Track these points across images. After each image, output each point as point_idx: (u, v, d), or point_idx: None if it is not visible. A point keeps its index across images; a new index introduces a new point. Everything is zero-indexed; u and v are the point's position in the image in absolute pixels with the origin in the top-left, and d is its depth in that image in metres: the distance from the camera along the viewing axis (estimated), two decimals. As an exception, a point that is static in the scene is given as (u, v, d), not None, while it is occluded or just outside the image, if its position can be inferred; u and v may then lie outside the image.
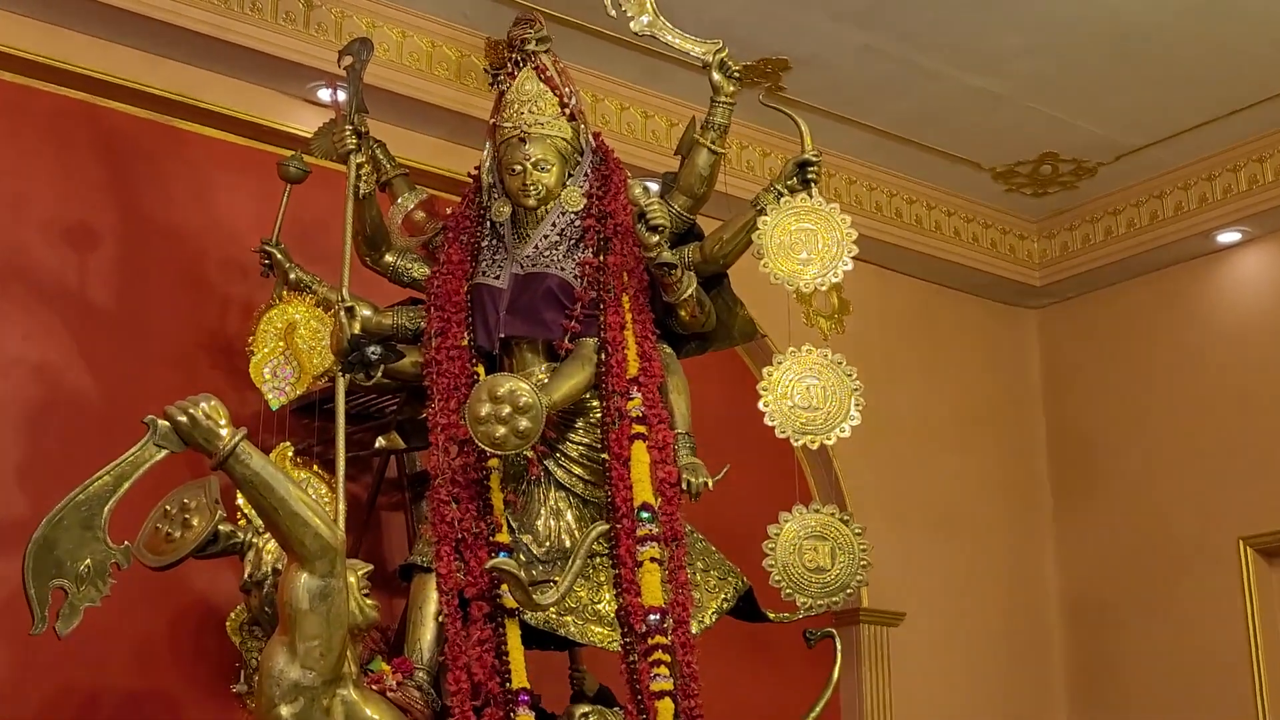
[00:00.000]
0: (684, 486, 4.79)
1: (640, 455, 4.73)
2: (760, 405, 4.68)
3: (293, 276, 5.32)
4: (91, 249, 5.98)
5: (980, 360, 8.74)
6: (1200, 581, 7.98)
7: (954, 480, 8.36)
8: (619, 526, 4.66)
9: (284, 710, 4.05)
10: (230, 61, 6.27)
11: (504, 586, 4.59)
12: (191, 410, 3.85)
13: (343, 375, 4.73)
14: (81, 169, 6.03)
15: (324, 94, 6.38)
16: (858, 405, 4.70)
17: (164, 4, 5.99)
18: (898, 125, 7.67)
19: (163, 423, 3.86)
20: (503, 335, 4.98)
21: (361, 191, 5.03)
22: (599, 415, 4.87)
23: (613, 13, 5.13)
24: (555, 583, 4.57)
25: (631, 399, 4.79)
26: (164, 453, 3.87)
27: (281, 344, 5.22)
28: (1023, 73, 7.18)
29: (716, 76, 5.03)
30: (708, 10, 6.43)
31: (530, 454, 4.81)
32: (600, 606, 4.72)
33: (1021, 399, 8.86)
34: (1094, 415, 8.62)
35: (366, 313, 4.97)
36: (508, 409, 4.44)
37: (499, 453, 4.57)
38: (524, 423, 4.45)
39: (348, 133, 5.06)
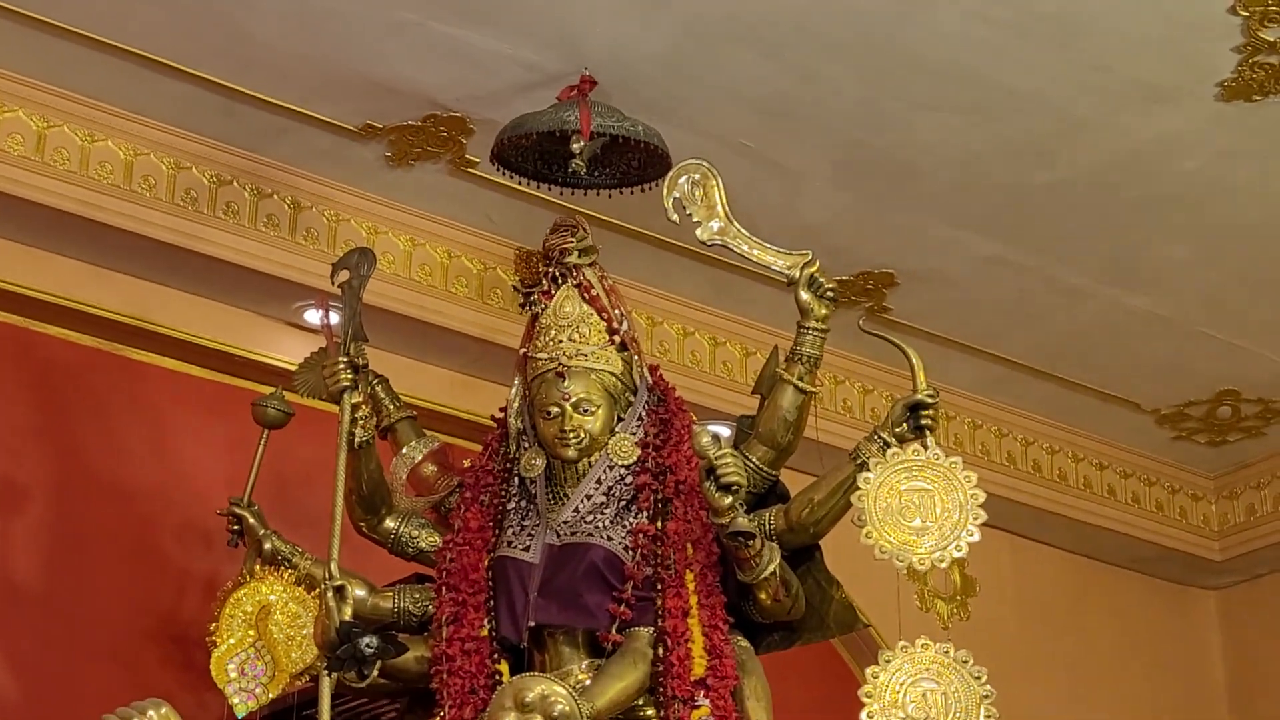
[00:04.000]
0: (767, 823, 4.71)
1: (710, 781, 4.66)
2: (864, 717, 4.60)
3: (268, 546, 5.30)
4: (15, 511, 6.01)
5: (1146, 655, 8.64)
6: None
7: (1116, 811, 8.21)
8: None
9: None
10: (196, 276, 6.36)
11: None
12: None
13: (328, 674, 4.68)
14: (6, 409, 6.09)
15: (312, 316, 6.44)
16: (989, 716, 4.62)
17: (114, 205, 6.09)
18: (1035, 356, 7.68)
19: (98, 737, 3.84)
20: (533, 623, 4.93)
21: (357, 440, 5.03)
22: (656, 729, 4.80)
23: (675, 217, 5.18)
24: None
25: (697, 707, 4.72)
26: (98, 775, 3.84)
27: (252, 633, 5.18)
28: (1192, 291, 7.20)
29: (805, 295, 5.05)
30: (795, 215, 6.50)
31: (568, 777, 4.73)
32: None
33: (1202, 705, 8.73)
34: (1295, 725, 8.49)
35: (360, 593, 4.95)
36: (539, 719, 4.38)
37: (527, 778, 4.50)
38: (560, 737, 4.40)
39: (341, 366, 5.07)
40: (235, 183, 6.35)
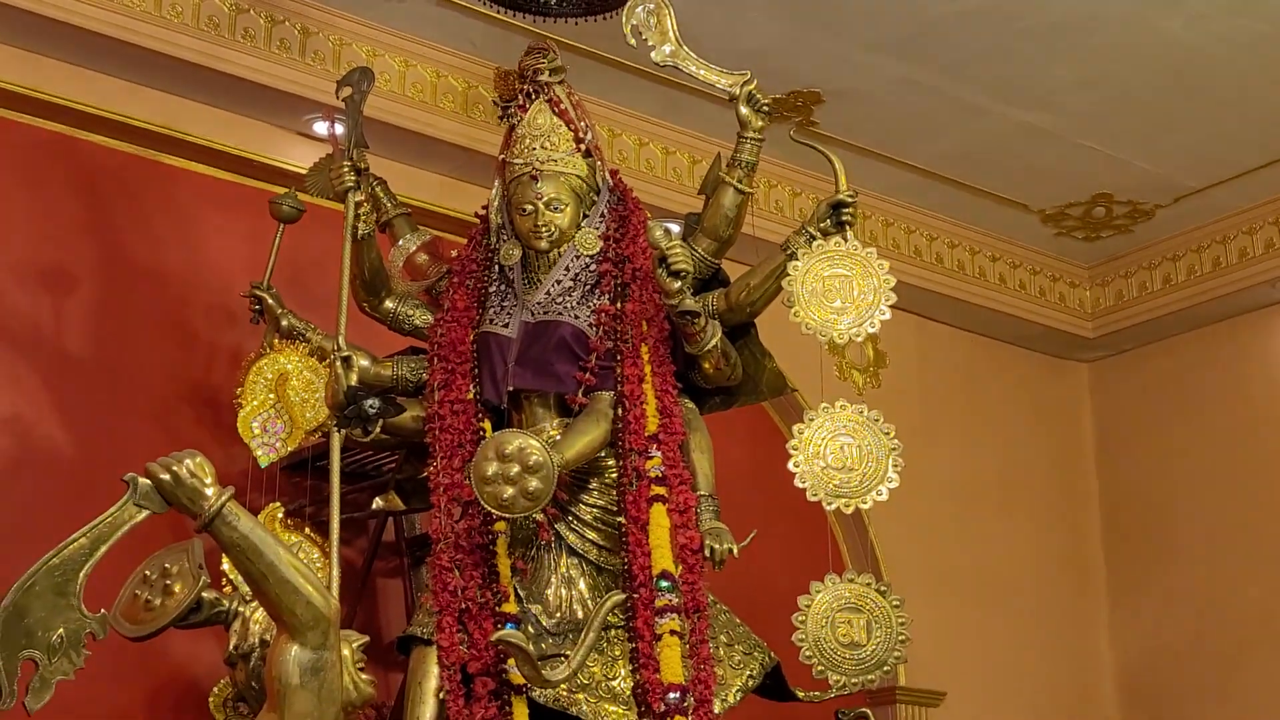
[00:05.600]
0: (707, 553, 4.77)
1: (660, 519, 4.72)
2: (790, 466, 4.66)
3: (285, 323, 5.35)
4: (68, 293, 6.00)
5: (1028, 418, 8.73)
6: (1268, 662, 7.93)
7: (999, 548, 8.33)
8: (636, 596, 4.65)
9: (272, 794, 4.03)
10: (219, 92, 6.31)
11: (511, 661, 4.58)
12: (175, 468, 3.85)
13: (338, 430, 4.74)
14: (58, 206, 6.06)
15: (320, 127, 6.41)
16: (895, 466, 4.68)
17: (148, 30, 6.04)
18: (939, 163, 7.69)
19: (143, 481, 3.86)
20: (511, 388, 4.99)
21: (360, 232, 5.04)
22: (615, 475, 4.87)
23: (632, 41, 5.15)
24: (566, 657, 4.55)
25: (650, 458, 4.80)
26: (144, 513, 3.87)
27: (272, 396, 5.23)
28: (1074, 108, 7.20)
29: (744, 110, 5.05)
30: (735, 39, 6.46)
31: (540, 517, 4.80)
32: (615, 683, 4.71)
33: (1073, 460, 8.85)
34: (1152, 478, 8.60)
35: (364, 363, 4.98)
36: (516, 468, 4.44)
37: (506, 515, 4.56)
38: (534, 483, 4.45)
39: (346, 169, 5.07)
40: (252, 11, 6.28)
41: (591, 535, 4.91)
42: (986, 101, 7.14)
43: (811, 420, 4.71)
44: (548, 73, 5.21)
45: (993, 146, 7.50)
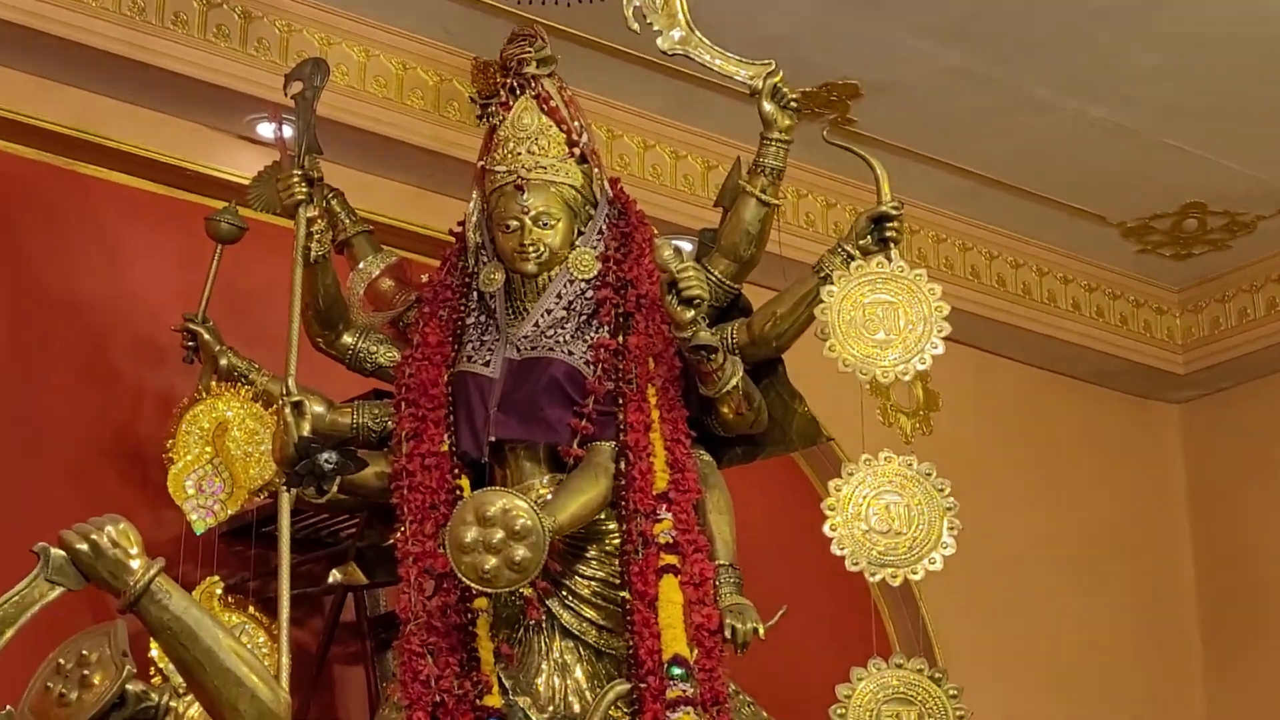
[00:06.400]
0: (727, 634, 4.77)
1: (671, 594, 4.71)
2: (827, 529, 4.64)
3: (224, 363, 5.35)
4: (-34, 327, 6.02)
5: (1108, 469, 8.74)
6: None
7: (1074, 626, 8.33)
8: (643, 686, 4.63)
9: None
10: (145, 88, 6.32)
11: (495, 764, 4.57)
12: (94, 536, 3.84)
13: (287, 490, 4.72)
14: (-45, 225, 6.08)
15: (266, 129, 6.43)
16: (951, 530, 4.66)
17: (60, 16, 6.04)
18: (1000, 168, 7.69)
19: (56, 552, 3.84)
20: (493, 438, 4.98)
21: (313, 254, 5.04)
22: (618, 542, 4.86)
23: (635, 26, 5.16)
24: (561, 760, 4.56)
25: (659, 521, 4.79)
26: (58, 591, 3.85)
27: (209, 450, 5.23)
28: (1159, 101, 7.21)
29: (768, 106, 5.06)
30: (757, 23, 6.46)
31: (529, 592, 4.79)
32: (619, 790, 4.70)
33: (1161, 519, 8.85)
34: (1256, 539, 8.59)
35: (319, 409, 4.99)
36: (500, 534, 4.42)
37: (488, 590, 4.55)
38: (521, 551, 4.43)
39: (296, 179, 5.07)
40: (184, -9, 6.31)
41: (589, 613, 4.90)
42: (1054, 95, 7.15)
43: (851, 475, 4.69)
44: (535, 63, 5.21)
45: (1063, 148, 7.51)
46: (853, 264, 4.87)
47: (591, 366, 4.98)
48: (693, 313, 4.75)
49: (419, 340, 5.14)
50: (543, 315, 5.07)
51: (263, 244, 5.60)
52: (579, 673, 4.88)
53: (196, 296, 5.42)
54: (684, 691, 4.61)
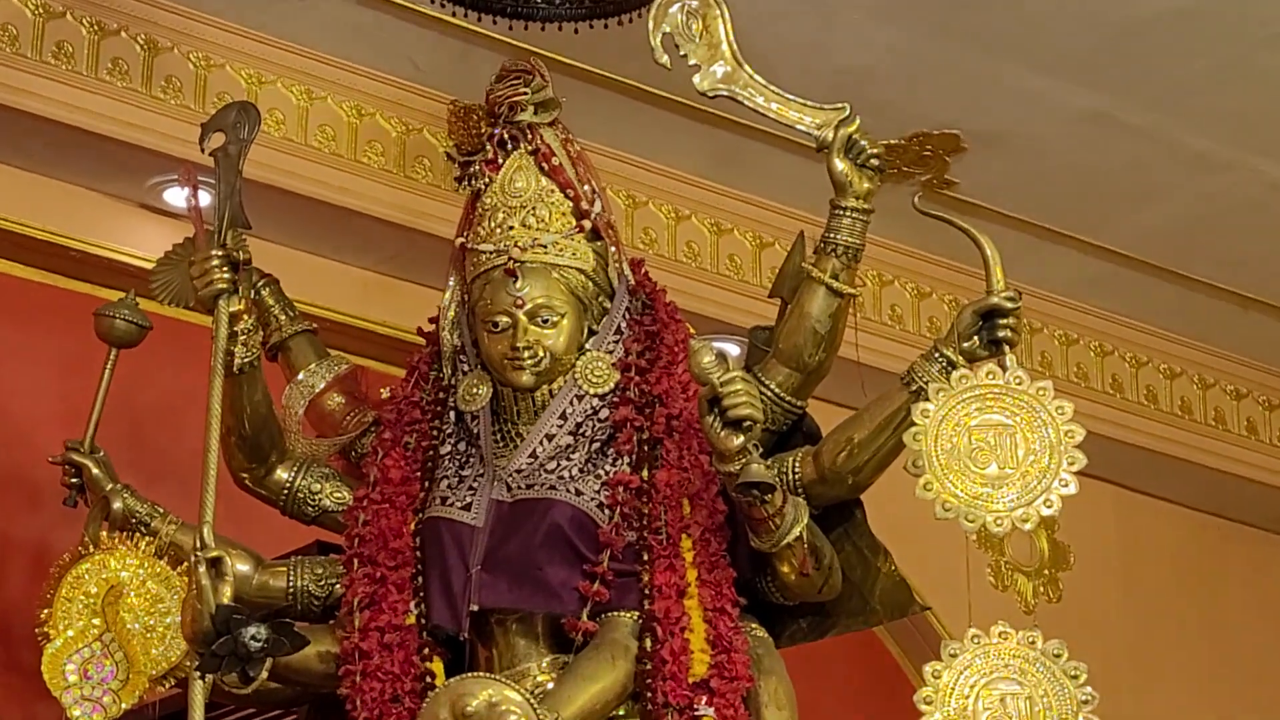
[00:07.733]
0: None
1: (713, 817, 4.72)
2: (921, 729, 4.65)
3: (117, 505, 5.33)
4: None
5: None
6: None
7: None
8: None
9: None
10: (18, 142, 6.39)
11: None
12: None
13: (201, 677, 4.70)
14: None
15: (175, 196, 6.46)
16: (1089, 728, 4.66)
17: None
18: (1149, 246, 7.74)
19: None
20: (476, 607, 4.96)
21: (238, 361, 5.05)
22: (641, 746, 4.85)
23: (664, 59, 5.18)
24: None
25: (698, 717, 4.74)
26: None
27: (98, 622, 5.22)
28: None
29: (840, 165, 5.06)
30: (828, 56, 6.53)
31: (524, 813, 4.76)
32: None
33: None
34: None
35: (243, 568, 5.00)
36: (484, 737, 4.43)
37: (469, 812, 4.55)
38: (512, 761, 4.44)
39: (215, 262, 5.07)
40: (70, 15, 6.33)
41: (605, 840, 4.88)
42: (1219, 147, 7.18)
43: (955, 656, 4.70)
44: (533, 108, 5.23)
45: (1234, 219, 7.53)
46: (955, 374, 4.87)
47: (607, 511, 4.97)
48: (741, 439, 4.71)
49: (377, 476, 5.14)
50: (542, 442, 5.06)
51: (171, 347, 5.62)
52: None
53: (83, 417, 5.40)
54: None
